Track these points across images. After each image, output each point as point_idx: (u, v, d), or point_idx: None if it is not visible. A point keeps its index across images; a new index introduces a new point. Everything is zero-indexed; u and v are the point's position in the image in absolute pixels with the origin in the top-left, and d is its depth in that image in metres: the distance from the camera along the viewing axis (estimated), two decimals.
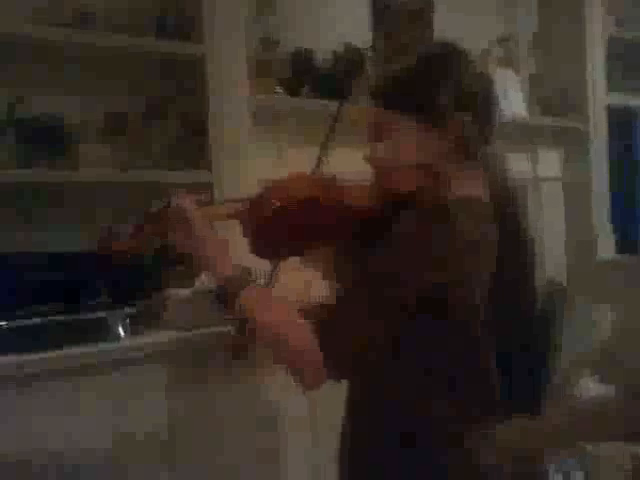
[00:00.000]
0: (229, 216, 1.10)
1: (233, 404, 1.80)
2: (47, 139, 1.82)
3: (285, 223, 1.04)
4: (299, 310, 0.98)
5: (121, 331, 1.69)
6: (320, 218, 1.05)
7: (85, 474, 1.56)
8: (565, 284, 2.99)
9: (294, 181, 1.07)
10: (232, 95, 2.12)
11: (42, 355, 1.54)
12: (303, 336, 0.94)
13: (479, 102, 1.05)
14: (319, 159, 1.11)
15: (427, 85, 1.02)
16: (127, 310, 1.71)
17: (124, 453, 1.61)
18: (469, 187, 1.04)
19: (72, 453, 1.55)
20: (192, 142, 2.12)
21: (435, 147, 1.02)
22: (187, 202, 1.04)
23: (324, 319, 0.95)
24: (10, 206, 1.83)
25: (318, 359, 0.92)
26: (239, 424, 1.80)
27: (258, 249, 1.07)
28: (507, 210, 1.08)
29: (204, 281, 1.74)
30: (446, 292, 0.95)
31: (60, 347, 1.57)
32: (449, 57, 1.06)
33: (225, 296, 1.00)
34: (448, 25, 2.83)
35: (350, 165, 1.14)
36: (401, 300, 0.94)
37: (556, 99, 3.19)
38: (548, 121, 3.15)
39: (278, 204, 1.03)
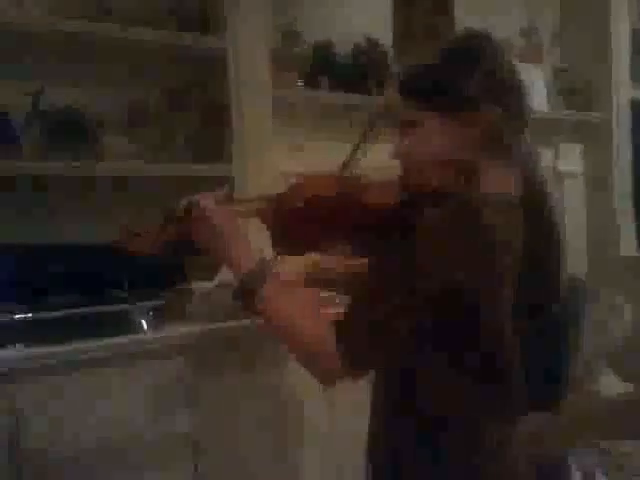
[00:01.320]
0: (252, 214, 1.10)
1: (255, 398, 1.80)
2: (71, 131, 1.84)
3: (308, 220, 1.03)
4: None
5: (144, 324, 1.70)
6: (344, 215, 1.04)
7: (107, 465, 1.57)
8: (586, 281, 2.96)
9: (318, 179, 1.07)
10: (253, 88, 2.11)
11: (66, 347, 1.55)
12: (321, 334, 0.94)
13: (510, 93, 1.02)
14: (348, 160, 1.10)
15: (455, 77, 0.99)
16: (150, 303, 1.72)
17: (146, 445, 1.63)
18: (500, 182, 1.01)
19: (93, 445, 1.56)
20: (213, 135, 2.12)
21: (465, 141, 0.99)
22: (209, 200, 1.04)
23: (342, 316, 0.94)
24: (34, 197, 1.85)
25: (336, 357, 0.92)
26: (260, 418, 1.81)
27: (280, 245, 1.08)
28: (538, 206, 1.06)
29: (226, 273, 1.75)
30: (472, 290, 0.93)
31: (83, 339, 1.58)
32: (477, 48, 1.02)
33: (244, 293, 1.00)
34: (470, 16, 2.81)
35: (376, 159, 1.13)
36: (423, 298, 0.92)
37: (579, 93, 3.15)
38: (570, 115, 3.12)
39: (302, 202, 1.03)
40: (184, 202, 1.04)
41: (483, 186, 1.00)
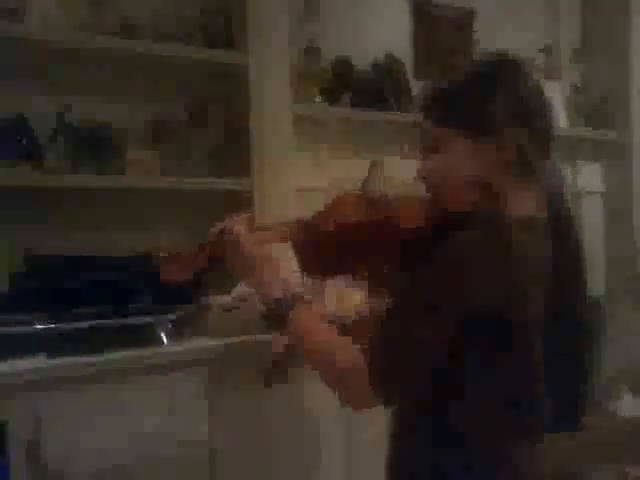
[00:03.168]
0: (281, 238, 1.11)
1: (272, 413, 1.80)
2: (95, 145, 1.86)
3: (337, 244, 1.04)
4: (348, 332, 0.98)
5: (164, 337, 1.71)
6: (372, 238, 1.05)
7: (124, 477, 1.57)
8: (604, 299, 2.94)
9: (347, 201, 1.08)
10: (274, 103, 2.13)
11: (87, 358, 1.57)
12: (351, 360, 0.94)
13: (536, 114, 1.02)
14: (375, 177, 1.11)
15: (483, 99, 0.99)
16: (170, 316, 1.74)
17: (163, 457, 1.63)
18: (527, 204, 1.02)
19: (111, 456, 1.56)
20: (234, 150, 2.14)
21: (491, 163, 0.99)
22: (240, 226, 1.06)
23: (372, 342, 0.94)
24: (58, 210, 1.88)
25: (365, 383, 0.92)
26: (280, 432, 1.81)
27: (309, 269, 1.09)
28: (563, 226, 1.06)
29: (243, 286, 1.75)
30: (499, 313, 0.93)
31: (103, 351, 1.59)
32: (503, 69, 1.03)
33: (274, 317, 1.01)
34: (489, 34, 2.82)
35: (400, 174, 1.14)
36: (452, 322, 0.92)
37: (598, 110, 3.14)
38: (589, 133, 3.11)
39: (332, 226, 1.04)
40: (216, 229, 1.06)
41: (509, 206, 1.00)
